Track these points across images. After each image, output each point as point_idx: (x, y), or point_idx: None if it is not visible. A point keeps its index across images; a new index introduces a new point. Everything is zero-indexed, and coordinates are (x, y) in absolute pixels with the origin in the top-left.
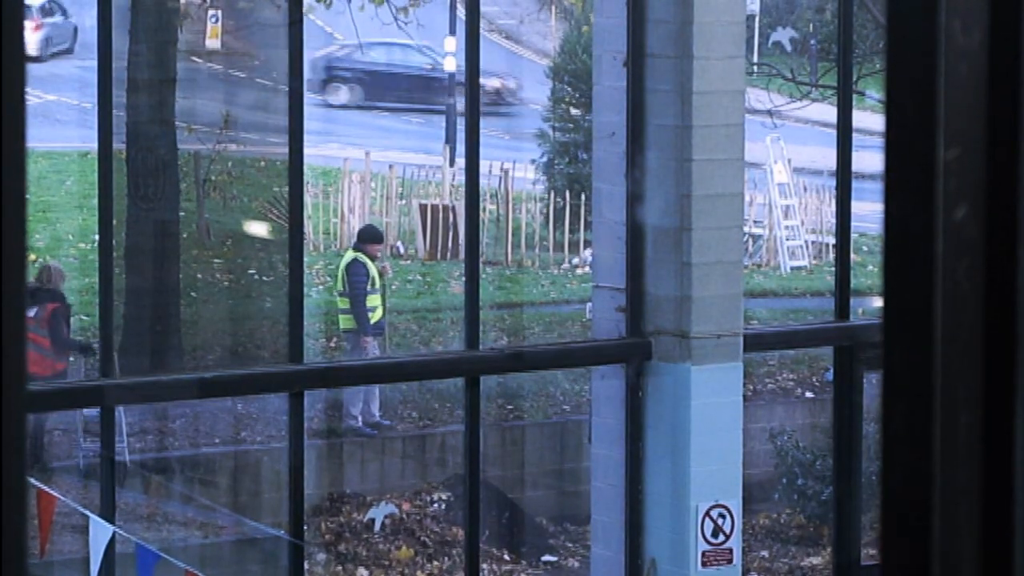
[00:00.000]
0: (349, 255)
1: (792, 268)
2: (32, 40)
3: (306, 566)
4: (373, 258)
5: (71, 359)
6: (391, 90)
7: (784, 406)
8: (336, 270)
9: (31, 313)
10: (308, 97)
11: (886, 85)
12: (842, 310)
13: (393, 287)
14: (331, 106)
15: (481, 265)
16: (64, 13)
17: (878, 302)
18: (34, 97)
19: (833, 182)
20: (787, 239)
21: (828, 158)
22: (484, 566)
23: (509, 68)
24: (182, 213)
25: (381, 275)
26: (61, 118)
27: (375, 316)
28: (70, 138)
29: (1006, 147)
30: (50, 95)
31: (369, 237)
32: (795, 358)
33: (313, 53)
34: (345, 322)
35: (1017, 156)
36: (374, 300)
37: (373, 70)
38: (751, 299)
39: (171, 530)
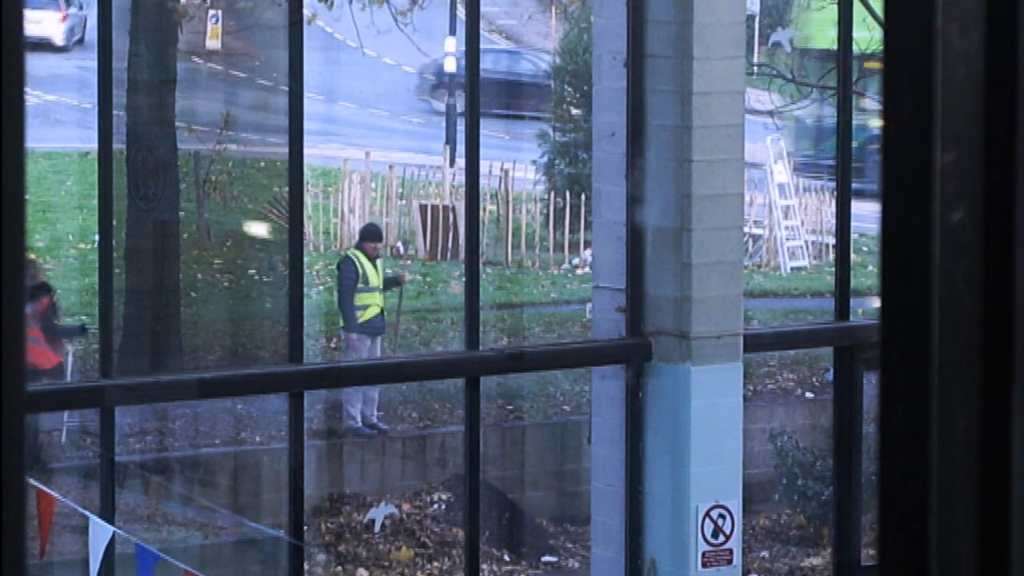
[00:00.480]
0: (344, 253)
1: (792, 268)
2: (58, 31)
3: (306, 567)
4: (373, 256)
5: (69, 346)
6: (500, 97)
7: (784, 407)
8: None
9: (27, 310)
10: (422, 103)
11: (884, 87)
12: (842, 310)
13: (395, 289)
14: (445, 113)
15: (481, 265)
16: (80, 5)
17: (878, 302)
18: (34, 97)
19: (833, 183)
20: (787, 239)
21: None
22: (484, 567)
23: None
24: (182, 213)
25: (398, 281)
26: (61, 118)
27: (367, 314)
28: (70, 138)
29: (1003, 150)
30: (50, 95)
31: (367, 235)
32: (795, 358)
33: (427, 59)
34: (342, 320)
35: (1014, 159)
36: (367, 298)
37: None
38: (751, 300)
39: (171, 531)
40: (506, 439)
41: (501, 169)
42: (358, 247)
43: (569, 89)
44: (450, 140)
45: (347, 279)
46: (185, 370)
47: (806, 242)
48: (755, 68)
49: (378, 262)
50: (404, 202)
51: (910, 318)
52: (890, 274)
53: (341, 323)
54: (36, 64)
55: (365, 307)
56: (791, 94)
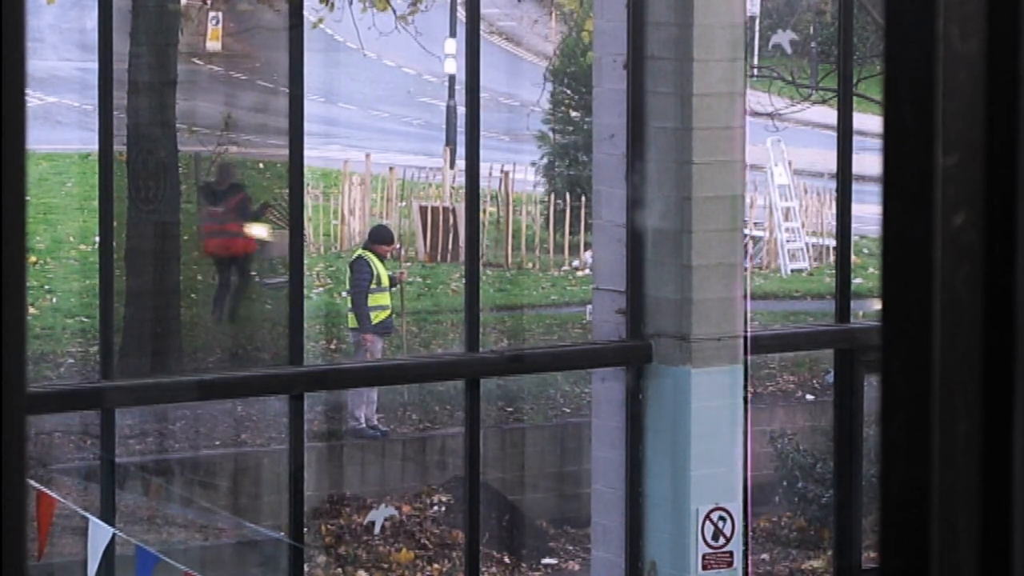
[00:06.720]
0: (356, 253)
1: (792, 270)
2: None
3: (306, 569)
4: (383, 258)
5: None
6: None
7: (785, 409)
8: (338, 272)
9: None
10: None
11: (885, 91)
12: (843, 313)
13: (394, 289)
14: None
15: (481, 267)
16: None
17: (878, 304)
18: (35, 99)
19: (833, 184)
20: (787, 241)
21: (828, 160)
22: (484, 569)
23: (509, 70)
24: (182, 215)
25: (398, 281)
26: (62, 120)
27: (381, 315)
28: (71, 140)
29: (1005, 153)
30: (51, 97)
31: (378, 238)
32: (796, 360)
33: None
34: (352, 320)
35: (1016, 162)
36: (381, 299)
37: None
38: (751, 301)
39: (171, 532)
40: (506, 441)
41: (501, 171)
42: (369, 249)
43: (568, 91)
44: (450, 142)
45: (362, 279)
46: (185, 372)
47: (806, 244)
48: (755, 70)
49: (385, 263)
50: (404, 204)
51: (911, 322)
52: (891, 278)
53: (351, 324)
54: (37, 66)
55: (380, 308)
56: (791, 96)
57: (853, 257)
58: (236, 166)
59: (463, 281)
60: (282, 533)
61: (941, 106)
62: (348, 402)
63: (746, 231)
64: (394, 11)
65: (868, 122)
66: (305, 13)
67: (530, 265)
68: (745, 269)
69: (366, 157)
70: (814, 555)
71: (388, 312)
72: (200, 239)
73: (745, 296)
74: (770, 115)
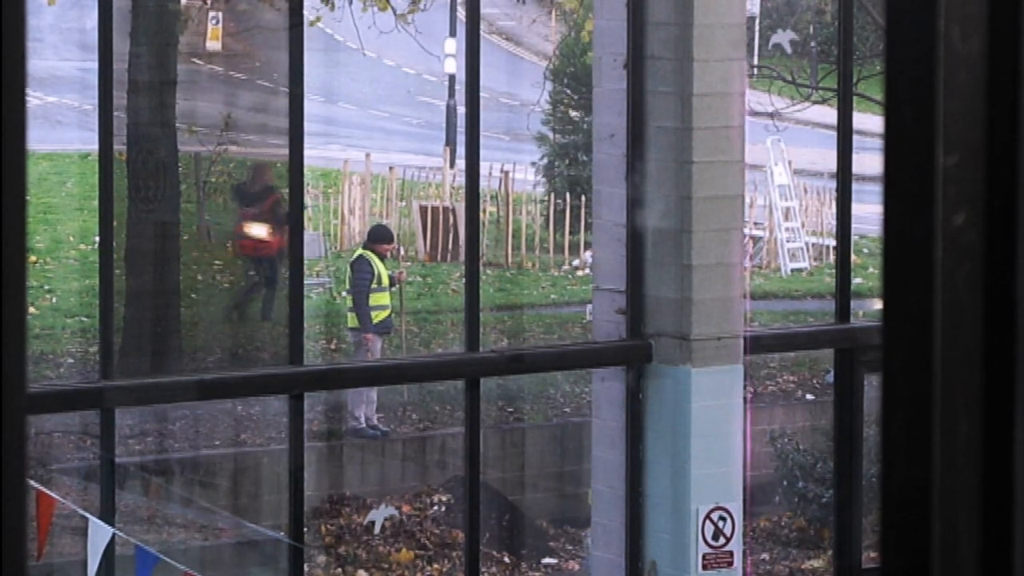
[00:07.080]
0: (356, 252)
1: (792, 270)
2: None
3: (306, 569)
4: (383, 257)
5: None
6: None
7: (785, 409)
8: (338, 271)
9: (255, 209)
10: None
11: (885, 91)
12: (843, 312)
13: (393, 288)
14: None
15: (481, 267)
16: None
17: (878, 304)
18: (35, 99)
19: (833, 184)
20: (787, 241)
21: (828, 160)
22: (484, 569)
23: (509, 70)
24: (182, 215)
25: (397, 280)
26: (62, 120)
27: (382, 315)
28: (71, 140)
29: (1005, 153)
30: (51, 97)
31: (379, 237)
32: (796, 360)
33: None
34: (352, 320)
35: (1016, 162)
36: (381, 298)
37: None
38: (751, 301)
39: (171, 532)
40: (506, 441)
41: (501, 171)
42: (369, 248)
43: (568, 91)
44: (450, 141)
45: (363, 278)
46: (185, 371)
47: (806, 244)
48: (755, 70)
49: (385, 262)
50: (404, 203)
51: (912, 322)
52: (892, 277)
53: (351, 323)
54: (37, 65)
55: (380, 307)
56: (791, 96)
57: (853, 257)
58: (269, 168)
59: (463, 281)
60: (282, 533)
61: (941, 106)
62: (348, 402)
63: (746, 231)
64: (394, 10)
65: (868, 122)
66: (305, 12)
67: (530, 265)
68: (745, 269)
69: (366, 157)
70: (814, 555)
71: (388, 311)
72: (231, 240)
73: (745, 296)
74: (770, 115)
